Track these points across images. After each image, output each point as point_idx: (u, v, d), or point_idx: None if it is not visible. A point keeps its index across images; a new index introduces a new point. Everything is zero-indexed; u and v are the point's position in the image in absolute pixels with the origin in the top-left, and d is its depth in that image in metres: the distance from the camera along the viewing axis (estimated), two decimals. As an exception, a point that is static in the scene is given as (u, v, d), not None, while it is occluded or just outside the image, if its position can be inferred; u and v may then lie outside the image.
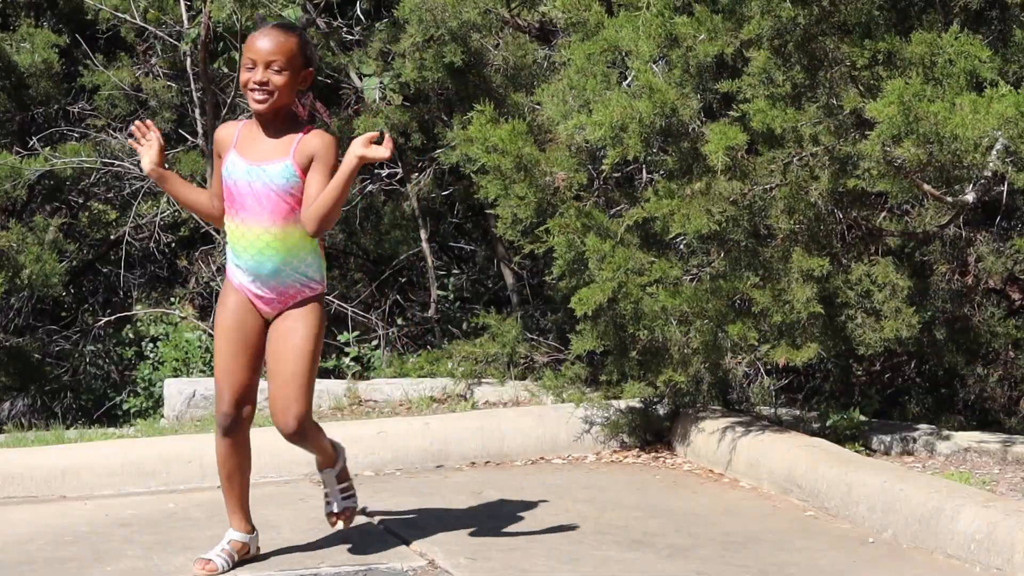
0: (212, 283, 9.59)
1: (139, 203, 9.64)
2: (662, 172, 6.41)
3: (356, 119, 8.65)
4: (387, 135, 4.66)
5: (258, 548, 4.98)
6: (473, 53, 7.75)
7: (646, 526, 5.45)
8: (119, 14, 9.20)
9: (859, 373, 7.61)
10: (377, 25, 8.90)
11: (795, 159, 5.98)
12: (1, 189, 8.68)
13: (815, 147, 5.93)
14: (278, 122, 4.75)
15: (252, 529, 4.95)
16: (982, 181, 5.96)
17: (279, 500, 5.76)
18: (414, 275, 10.04)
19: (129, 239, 9.69)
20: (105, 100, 9.57)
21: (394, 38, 8.30)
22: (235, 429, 4.80)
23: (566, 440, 6.66)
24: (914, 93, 5.27)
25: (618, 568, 4.90)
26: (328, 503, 5.09)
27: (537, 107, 6.83)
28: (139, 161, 4.89)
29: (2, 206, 9.55)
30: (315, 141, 4.72)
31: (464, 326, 9.22)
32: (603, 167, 6.21)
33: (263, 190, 4.69)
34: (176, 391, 7.40)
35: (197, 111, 9.28)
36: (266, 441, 5.54)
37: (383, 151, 4.66)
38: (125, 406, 9.19)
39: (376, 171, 9.29)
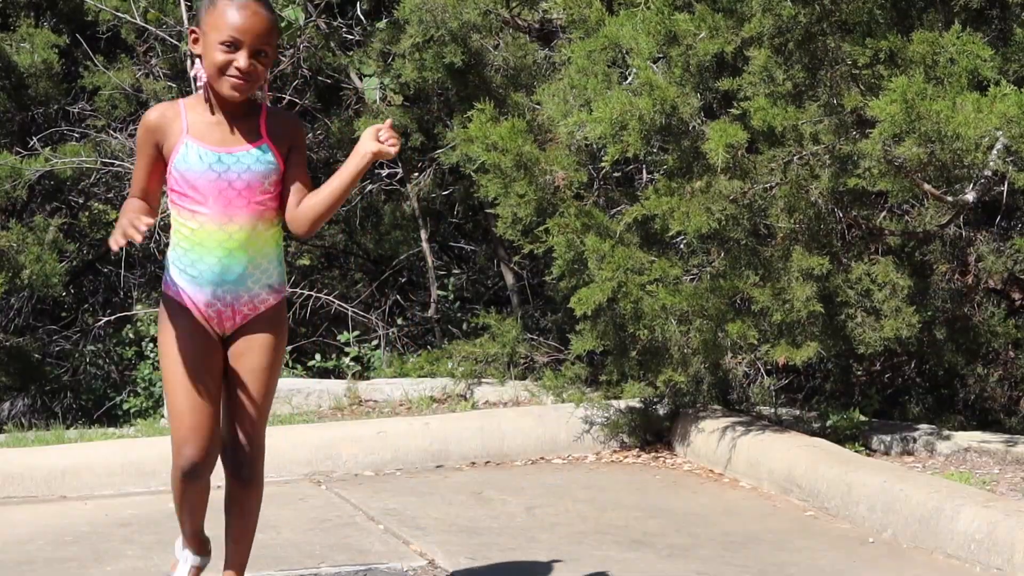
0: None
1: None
2: (662, 171, 6.41)
3: (357, 119, 8.66)
4: (389, 124, 4.02)
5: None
6: (473, 53, 7.75)
7: (646, 526, 5.45)
8: (119, 14, 9.20)
9: (859, 373, 7.61)
10: (378, 25, 8.90)
11: (795, 158, 5.98)
12: (1, 189, 8.67)
13: (815, 146, 5.93)
14: (236, 103, 4.03)
15: (209, 551, 4.34)
16: (982, 181, 5.95)
17: (279, 500, 5.75)
18: (414, 275, 10.04)
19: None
20: (105, 101, 9.56)
21: (394, 38, 8.30)
22: (205, 472, 4.09)
23: (566, 440, 6.65)
24: (917, 92, 5.26)
25: (618, 568, 4.89)
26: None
27: (537, 107, 6.83)
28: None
29: (2, 206, 9.55)
30: (286, 123, 4.08)
31: (464, 326, 9.22)
32: (603, 165, 6.21)
33: (236, 182, 3.98)
34: (176, 391, 7.38)
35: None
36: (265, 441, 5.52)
37: (392, 149, 4.02)
38: (125, 406, 9.18)
39: (376, 171, 9.29)
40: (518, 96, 7.37)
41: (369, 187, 9.35)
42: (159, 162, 4.03)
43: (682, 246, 6.52)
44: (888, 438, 6.29)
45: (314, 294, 9.17)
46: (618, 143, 5.86)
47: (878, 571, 4.90)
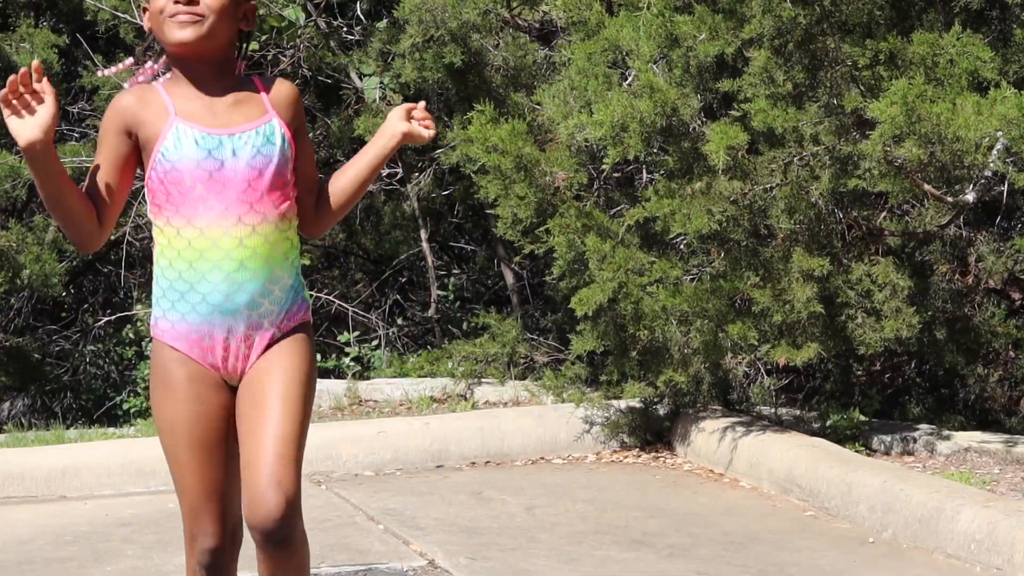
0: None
1: (139, 203, 9.64)
2: (663, 172, 6.41)
3: (356, 119, 8.67)
4: (424, 106, 3.48)
5: None
6: (473, 53, 7.74)
7: (646, 526, 5.45)
8: (119, 14, 9.20)
9: (859, 373, 7.60)
10: (378, 25, 8.90)
11: (796, 159, 5.98)
12: (1, 189, 8.67)
13: (816, 147, 5.93)
14: (221, 72, 3.25)
15: None
16: (982, 181, 5.95)
17: (279, 500, 5.74)
18: (414, 275, 10.04)
19: (129, 239, 9.68)
20: (105, 100, 9.55)
21: (394, 38, 8.30)
22: (230, 562, 3.29)
23: (566, 440, 6.65)
24: (917, 94, 5.27)
25: (618, 568, 4.89)
26: None
27: (537, 107, 6.83)
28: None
29: (2, 206, 9.54)
30: (287, 92, 3.30)
31: (464, 326, 9.22)
32: (603, 166, 6.21)
33: (245, 171, 3.17)
34: (176, 391, 7.39)
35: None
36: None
37: (428, 132, 3.45)
38: (125, 406, 9.18)
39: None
40: (518, 96, 7.37)
41: (369, 187, 9.35)
42: (129, 158, 3.22)
43: (682, 247, 6.52)
44: (888, 438, 6.29)
45: (314, 294, 9.17)
46: (618, 146, 5.86)
47: (878, 571, 4.90)
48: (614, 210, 6.57)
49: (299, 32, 8.88)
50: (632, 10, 6.12)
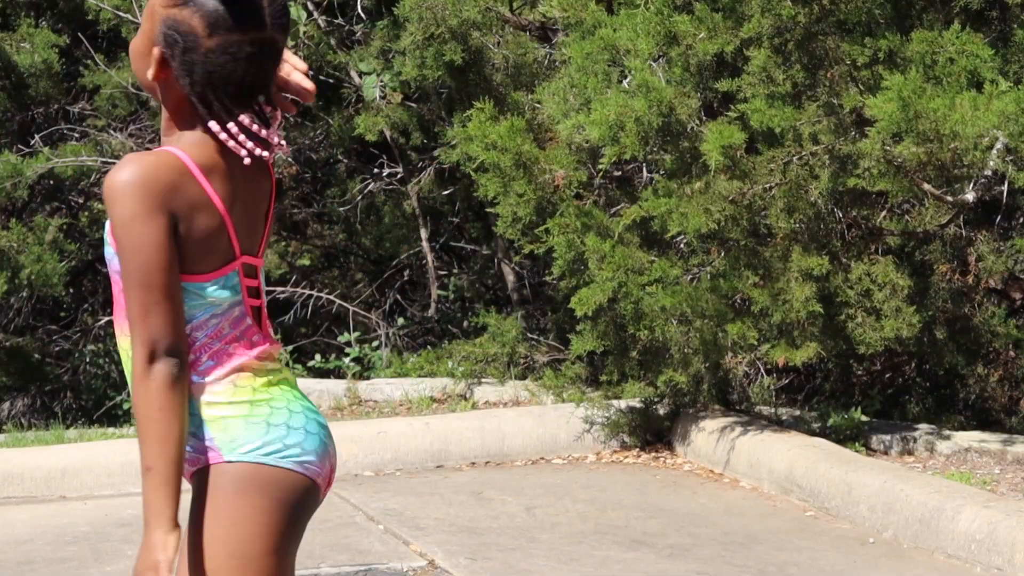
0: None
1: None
2: (662, 172, 6.40)
3: (357, 117, 8.68)
4: None
5: None
6: (473, 51, 7.74)
7: (646, 526, 5.45)
8: (120, 13, 9.20)
9: (859, 373, 7.60)
10: (379, 24, 8.90)
11: (795, 158, 5.98)
12: (1, 189, 8.67)
13: (815, 146, 5.92)
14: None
15: None
16: (982, 180, 5.95)
17: (279, 500, 5.75)
18: (414, 275, 10.04)
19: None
20: (106, 100, 9.56)
21: (395, 36, 8.30)
22: None
23: (566, 440, 6.65)
24: (913, 89, 5.26)
25: (618, 568, 4.89)
26: None
27: (538, 105, 6.83)
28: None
29: (2, 206, 9.55)
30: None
31: (464, 326, 9.22)
32: (600, 166, 6.20)
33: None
34: (176, 391, 7.39)
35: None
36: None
37: None
38: (125, 406, 9.18)
39: (377, 170, 9.29)
40: (518, 95, 7.37)
41: (370, 186, 9.35)
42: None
43: (682, 246, 6.52)
44: (888, 438, 6.29)
45: (314, 293, 9.17)
46: (615, 145, 5.85)
47: (878, 571, 4.89)
48: (614, 209, 6.57)
49: (300, 31, 8.88)
50: (631, 8, 6.11)
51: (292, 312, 9.20)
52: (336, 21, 9.17)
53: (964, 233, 6.69)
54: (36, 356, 9.67)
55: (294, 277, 9.65)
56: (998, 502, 5.04)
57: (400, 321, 9.46)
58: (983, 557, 4.83)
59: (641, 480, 6.21)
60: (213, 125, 2.43)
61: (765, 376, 6.85)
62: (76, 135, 9.75)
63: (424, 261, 9.29)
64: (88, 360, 10.04)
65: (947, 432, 6.29)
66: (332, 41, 9.04)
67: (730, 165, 5.84)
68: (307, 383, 7.61)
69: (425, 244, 9.13)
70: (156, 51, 2.44)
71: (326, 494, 2.57)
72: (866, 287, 6.14)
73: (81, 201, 10.26)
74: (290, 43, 8.84)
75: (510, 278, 9.18)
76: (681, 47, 5.95)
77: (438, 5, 7.52)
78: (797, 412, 6.76)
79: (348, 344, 8.51)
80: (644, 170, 6.99)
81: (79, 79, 9.64)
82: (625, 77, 6.22)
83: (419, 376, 7.67)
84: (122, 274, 2.41)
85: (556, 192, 6.38)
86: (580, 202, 6.42)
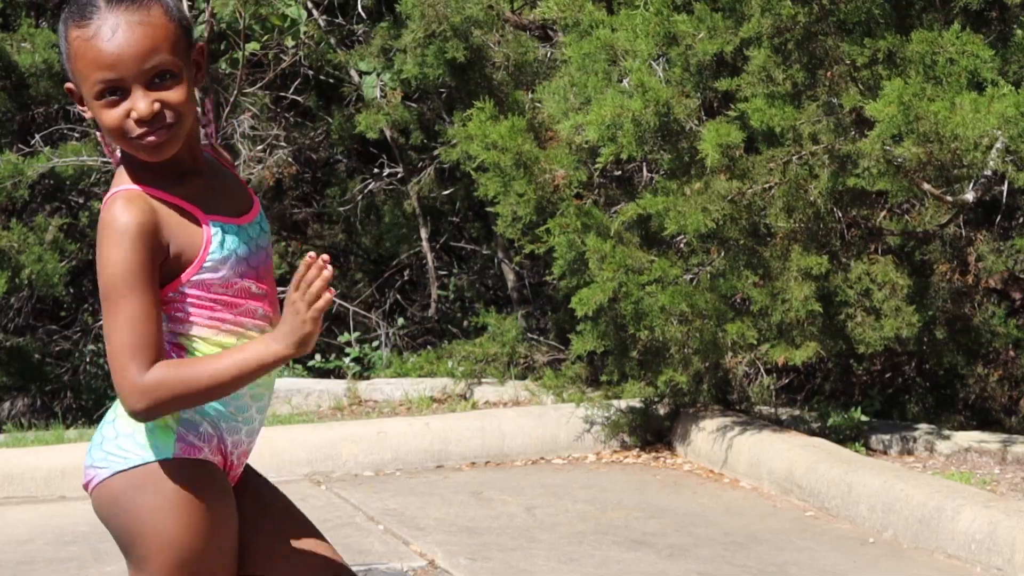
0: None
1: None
2: (662, 172, 6.40)
3: (357, 116, 8.67)
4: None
5: None
6: (474, 50, 7.74)
7: (646, 526, 5.45)
8: (120, 14, 9.19)
9: (859, 373, 7.60)
10: (379, 23, 8.89)
11: (794, 158, 5.98)
12: (2, 189, 8.67)
13: (815, 146, 5.92)
14: (195, 147, 2.74)
15: None
16: (982, 180, 5.95)
17: (279, 500, 5.75)
18: (414, 275, 10.04)
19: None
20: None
21: (396, 35, 8.30)
22: None
23: (566, 440, 6.65)
24: (914, 93, 5.26)
25: (618, 568, 4.89)
26: None
27: (538, 105, 6.83)
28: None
29: (3, 206, 9.55)
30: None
31: (464, 326, 9.22)
32: (597, 165, 6.20)
33: (265, 260, 2.80)
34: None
35: (199, 110, 9.27)
36: (265, 441, 5.52)
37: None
38: (125, 406, 9.18)
39: (377, 170, 9.29)
40: (519, 94, 7.37)
41: (370, 186, 9.35)
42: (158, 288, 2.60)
43: (682, 246, 6.52)
44: (888, 438, 6.29)
45: (314, 294, 9.15)
46: (612, 144, 5.85)
47: (878, 571, 4.89)
48: (614, 208, 6.57)
49: (300, 31, 8.88)
50: (631, 8, 6.11)
51: (292, 312, 9.17)
52: (336, 21, 9.16)
53: (964, 233, 6.70)
54: (36, 356, 9.67)
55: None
56: (998, 502, 5.04)
57: (400, 321, 9.46)
58: (983, 557, 4.83)
59: (641, 480, 6.21)
60: None
61: (765, 376, 6.85)
62: (77, 135, 9.75)
63: (424, 261, 9.29)
64: (88, 360, 10.05)
65: (947, 432, 6.29)
66: (332, 40, 9.04)
67: (729, 164, 5.84)
68: (307, 383, 7.61)
69: (425, 244, 9.12)
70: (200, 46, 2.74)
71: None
72: (866, 287, 6.14)
73: (82, 201, 10.26)
74: (290, 43, 8.87)
75: (510, 278, 9.17)
76: (681, 47, 5.95)
77: (440, 2, 7.53)
78: (797, 412, 6.76)
79: (348, 344, 8.51)
80: (644, 170, 6.99)
81: (79, 79, 9.63)
82: (625, 77, 6.22)
83: (419, 376, 7.67)
84: None
85: (556, 192, 6.38)
86: (580, 202, 6.42)
